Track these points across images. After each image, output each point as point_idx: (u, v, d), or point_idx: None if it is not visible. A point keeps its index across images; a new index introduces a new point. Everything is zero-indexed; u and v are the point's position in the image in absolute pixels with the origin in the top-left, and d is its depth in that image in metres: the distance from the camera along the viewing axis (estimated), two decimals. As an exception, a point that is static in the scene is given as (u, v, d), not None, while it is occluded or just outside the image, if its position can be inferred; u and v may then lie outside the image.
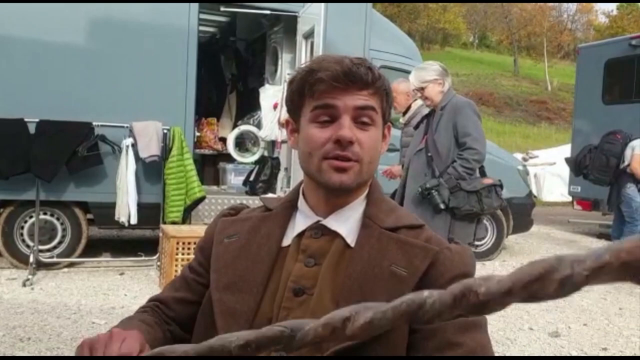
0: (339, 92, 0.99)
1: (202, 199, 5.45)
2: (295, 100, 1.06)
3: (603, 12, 52.86)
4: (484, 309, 0.55)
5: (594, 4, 49.51)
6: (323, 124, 1.01)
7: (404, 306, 0.58)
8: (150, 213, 5.25)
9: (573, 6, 47.45)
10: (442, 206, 3.46)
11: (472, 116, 3.59)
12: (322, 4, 5.24)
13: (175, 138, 5.28)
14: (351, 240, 1.03)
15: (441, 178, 3.52)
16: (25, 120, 4.84)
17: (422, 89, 3.67)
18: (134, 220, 5.07)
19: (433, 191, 3.48)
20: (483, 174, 3.70)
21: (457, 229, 3.51)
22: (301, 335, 0.71)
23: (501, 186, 3.67)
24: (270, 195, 5.67)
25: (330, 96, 1.00)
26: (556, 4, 45.20)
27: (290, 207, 1.11)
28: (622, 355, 3.75)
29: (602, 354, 3.76)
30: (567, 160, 8.06)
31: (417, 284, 0.92)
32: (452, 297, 0.56)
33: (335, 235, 1.03)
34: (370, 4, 6.12)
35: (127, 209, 5.05)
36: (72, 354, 3.22)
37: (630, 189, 6.66)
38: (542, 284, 0.52)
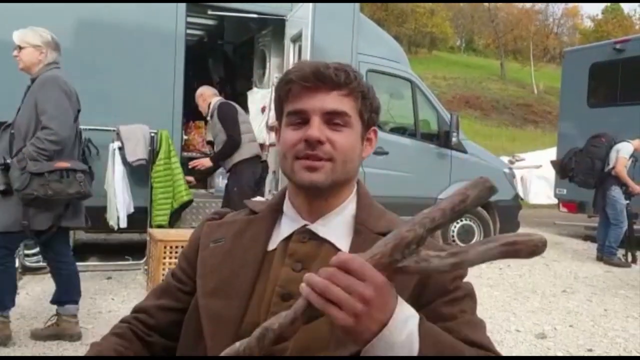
0: (309, 95, 1.01)
1: (189, 202, 5.43)
2: (277, 105, 1.09)
3: (588, 16, 53.50)
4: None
5: (579, 9, 50.02)
6: (296, 126, 1.02)
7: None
8: (138, 217, 5.21)
9: (559, 10, 48.00)
10: (2, 187, 3.21)
11: (54, 92, 3.27)
12: (310, 5, 5.25)
13: (163, 141, 5.26)
14: (341, 245, 1.02)
15: (15, 158, 3.26)
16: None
17: (20, 48, 3.39)
18: (123, 224, 5.03)
19: None
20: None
21: (31, 214, 3.26)
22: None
23: (84, 172, 3.40)
24: (258, 198, 5.65)
25: (301, 100, 1.01)
26: (542, 4, 45.64)
27: (275, 210, 1.11)
28: (607, 355, 3.79)
29: (587, 354, 3.80)
30: (553, 163, 8.13)
31: (414, 285, 0.94)
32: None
33: (323, 240, 1.03)
34: (357, 6, 6.14)
35: (116, 212, 5.01)
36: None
37: (615, 191, 6.73)
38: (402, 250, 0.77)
